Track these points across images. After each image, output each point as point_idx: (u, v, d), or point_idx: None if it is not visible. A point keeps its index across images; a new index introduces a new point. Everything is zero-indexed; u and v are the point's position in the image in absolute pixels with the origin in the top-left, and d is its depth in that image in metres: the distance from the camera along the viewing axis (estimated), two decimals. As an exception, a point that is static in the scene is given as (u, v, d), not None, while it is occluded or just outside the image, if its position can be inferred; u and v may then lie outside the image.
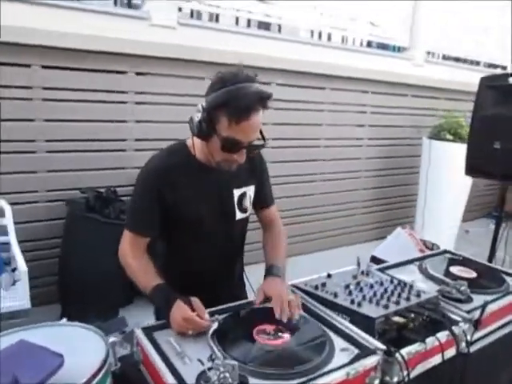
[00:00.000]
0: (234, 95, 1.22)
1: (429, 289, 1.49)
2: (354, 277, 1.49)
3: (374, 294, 1.33)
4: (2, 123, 2.47)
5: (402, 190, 4.42)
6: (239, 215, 1.52)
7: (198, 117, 1.28)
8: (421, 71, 4.25)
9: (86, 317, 1.35)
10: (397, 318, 1.22)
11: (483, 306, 1.35)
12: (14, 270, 2.40)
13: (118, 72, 2.78)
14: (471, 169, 2.33)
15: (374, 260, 2.30)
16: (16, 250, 2.42)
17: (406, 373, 1.10)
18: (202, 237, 1.48)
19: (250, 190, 1.55)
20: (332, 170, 3.88)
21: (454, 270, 1.66)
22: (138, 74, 2.85)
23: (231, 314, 1.25)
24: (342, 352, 1.12)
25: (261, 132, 1.35)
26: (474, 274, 1.64)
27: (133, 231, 1.42)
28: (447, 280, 1.51)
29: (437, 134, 3.73)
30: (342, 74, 3.64)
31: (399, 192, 4.41)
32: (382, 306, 1.25)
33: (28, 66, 2.53)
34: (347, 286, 1.39)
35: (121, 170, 2.90)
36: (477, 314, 1.34)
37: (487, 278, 1.62)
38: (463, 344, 1.29)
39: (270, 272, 1.41)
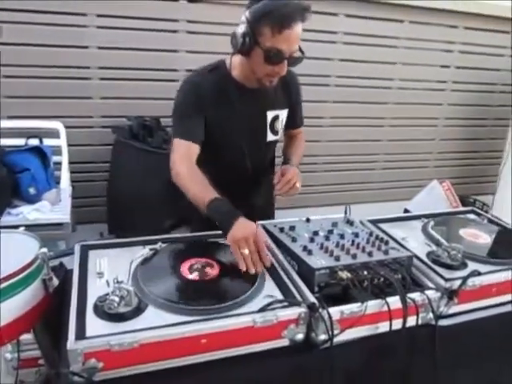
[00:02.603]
0: (277, 5, 1.26)
1: (419, 249, 1.30)
2: (334, 224, 1.35)
3: (337, 245, 1.19)
4: (58, 49, 2.61)
5: (488, 145, 3.86)
6: (270, 137, 1.56)
7: (241, 29, 1.30)
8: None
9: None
10: (344, 274, 1.08)
11: (466, 277, 1.14)
12: (65, 187, 2.63)
13: (170, -1, 2.73)
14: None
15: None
16: (64, 169, 2.64)
17: (332, 333, 0.98)
18: (232, 154, 1.52)
19: (283, 114, 1.58)
20: (404, 114, 3.50)
21: (465, 232, 1.42)
22: (190, 1, 2.77)
23: (173, 244, 1.21)
24: (265, 298, 1.03)
25: (300, 47, 1.35)
26: (487, 240, 1.39)
27: (182, 138, 1.40)
28: (443, 242, 1.30)
29: (536, 80, 3.12)
30: (424, 5, 3.16)
31: (484, 146, 3.87)
32: (335, 257, 1.11)
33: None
34: (315, 233, 1.27)
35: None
36: (457, 283, 1.13)
37: (503, 246, 1.36)
38: (430, 315, 1.11)
39: (286, 163, 1.57)
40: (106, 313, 0.92)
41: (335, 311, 1.00)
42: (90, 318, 0.93)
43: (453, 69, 3.50)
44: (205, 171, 1.47)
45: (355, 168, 3.52)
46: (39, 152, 2.50)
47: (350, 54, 3.18)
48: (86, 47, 2.67)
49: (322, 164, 3.43)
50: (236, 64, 1.43)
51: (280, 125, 1.59)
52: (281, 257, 1.19)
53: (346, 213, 1.42)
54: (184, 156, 1.38)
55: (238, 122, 1.47)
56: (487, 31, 3.47)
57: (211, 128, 1.44)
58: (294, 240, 1.22)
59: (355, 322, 1.02)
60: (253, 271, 1.08)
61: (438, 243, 1.30)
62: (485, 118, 3.77)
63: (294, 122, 1.67)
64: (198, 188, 1.27)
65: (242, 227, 1.14)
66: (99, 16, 2.64)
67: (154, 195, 2.72)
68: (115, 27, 2.67)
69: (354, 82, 3.27)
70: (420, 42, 3.32)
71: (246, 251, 1.10)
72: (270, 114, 1.54)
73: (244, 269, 1.08)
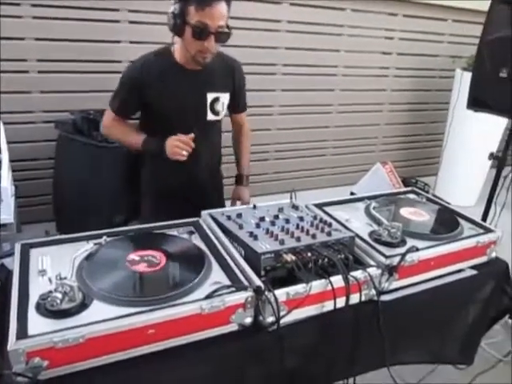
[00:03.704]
0: None
1: (362, 229, 1.35)
2: (280, 210, 1.37)
3: (282, 229, 1.22)
4: (-8, 41, 2.48)
5: (430, 128, 4.04)
6: (210, 116, 1.71)
7: (171, 10, 1.48)
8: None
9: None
10: (289, 257, 1.11)
11: (404, 253, 1.20)
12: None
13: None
14: (474, 101, 2.03)
15: (353, 198, 2.14)
16: (5, 167, 2.52)
17: (279, 314, 1.01)
18: (178, 129, 1.60)
19: (224, 97, 1.73)
20: (350, 101, 3.60)
21: (405, 211, 1.49)
22: (131, -10, 2.70)
23: (118, 238, 1.20)
24: (212, 285, 1.04)
25: (227, 25, 1.51)
26: (425, 217, 1.46)
27: (112, 111, 1.70)
28: (383, 221, 1.35)
29: (471, 65, 3.27)
30: (365, -7, 3.25)
31: (426, 129, 4.04)
32: (280, 241, 1.14)
33: (16, -19, 2.47)
34: (262, 219, 1.29)
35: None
36: (396, 260, 1.19)
37: (439, 223, 1.44)
38: (372, 291, 1.17)
39: (238, 182, 1.89)
40: (49, 310, 0.91)
41: (281, 293, 1.02)
42: (33, 316, 0.91)
43: (394, 55, 3.62)
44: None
45: (305, 155, 3.58)
46: (-24, 151, 2.37)
47: (295, 42, 3.21)
48: (22, 39, 2.55)
49: (274, 152, 3.47)
50: (177, 47, 1.60)
51: (221, 107, 1.73)
52: (228, 243, 1.21)
53: (291, 198, 1.45)
54: (110, 122, 1.72)
55: (179, 101, 1.63)
56: (425, 19, 3.60)
57: (156, 105, 1.63)
58: (240, 227, 1.23)
59: (301, 302, 1.05)
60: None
61: (379, 223, 1.36)
62: (426, 102, 3.94)
63: (237, 106, 1.84)
64: (129, 137, 1.68)
65: (171, 139, 1.53)
66: (34, 6, 2.52)
67: (101, 190, 2.65)
68: (53, 17, 2.56)
69: (300, 70, 3.31)
70: (362, 30, 3.41)
71: (184, 152, 1.52)
72: (210, 96, 1.69)
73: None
